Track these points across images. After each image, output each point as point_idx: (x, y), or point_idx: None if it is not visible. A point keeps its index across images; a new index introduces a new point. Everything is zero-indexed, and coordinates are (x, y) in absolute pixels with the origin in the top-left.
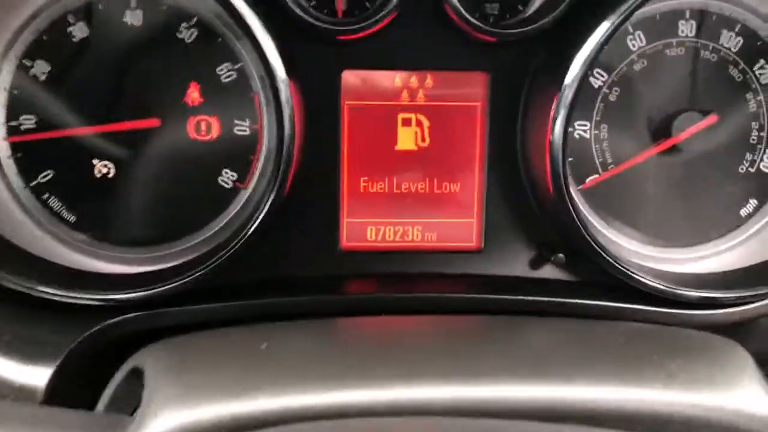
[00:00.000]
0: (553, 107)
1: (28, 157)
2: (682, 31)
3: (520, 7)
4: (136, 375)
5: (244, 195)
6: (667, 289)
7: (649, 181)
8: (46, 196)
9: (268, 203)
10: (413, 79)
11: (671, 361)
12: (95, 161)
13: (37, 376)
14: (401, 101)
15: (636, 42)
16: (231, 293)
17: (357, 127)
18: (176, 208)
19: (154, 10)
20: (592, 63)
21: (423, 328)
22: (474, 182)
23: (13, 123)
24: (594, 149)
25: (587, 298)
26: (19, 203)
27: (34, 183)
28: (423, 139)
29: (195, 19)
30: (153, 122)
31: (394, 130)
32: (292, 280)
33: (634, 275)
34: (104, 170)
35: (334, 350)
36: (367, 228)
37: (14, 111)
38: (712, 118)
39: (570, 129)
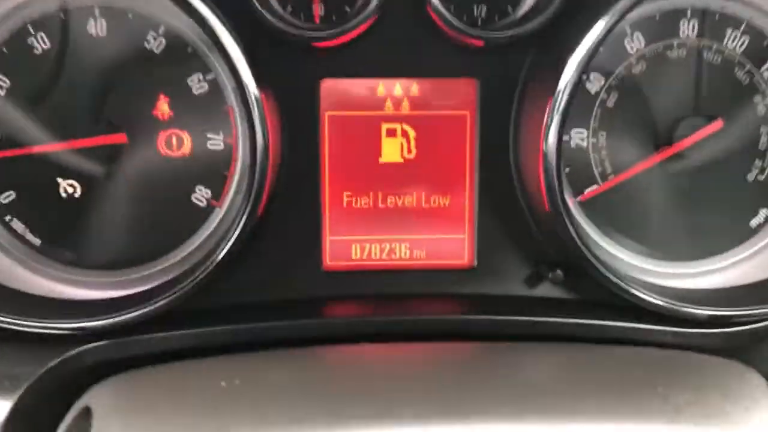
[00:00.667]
0: (546, 114)
1: None
2: (684, 32)
3: (509, 9)
4: (87, 415)
5: (218, 214)
6: (672, 306)
7: (652, 191)
8: (8, 218)
9: (242, 223)
10: (397, 87)
11: (678, 393)
12: (60, 180)
13: None
14: (385, 111)
15: (634, 44)
16: (205, 318)
17: (338, 139)
18: (147, 228)
19: (119, 20)
20: (586, 66)
21: (407, 358)
22: (465, 195)
23: None
24: (592, 158)
25: (587, 318)
26: None
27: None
28: (409, 151)
29: (162, 28)
30: (120, 138)
31: (378, 141)
32: (271, 304)
33: (636, 292)
34: (70, 190)
35: (305, 388)
36: (351, 246)
37: None
38: (717, 124)
39: (565, 137)
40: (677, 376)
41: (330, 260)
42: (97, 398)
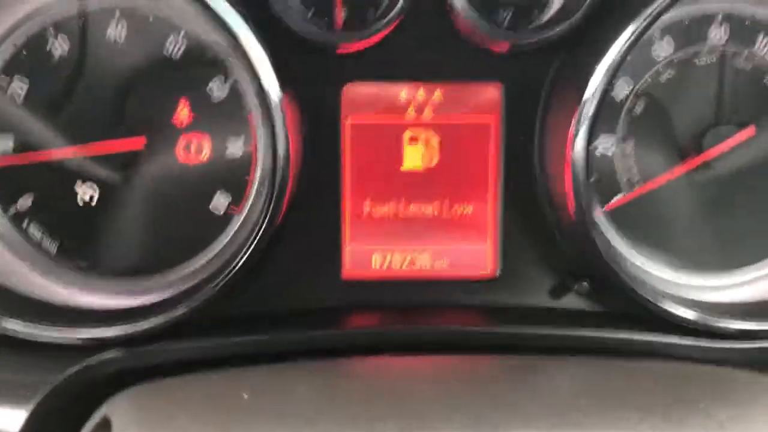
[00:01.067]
0: (573, 122)
1: (6, 181)
2: (714, 38)
3: (536, 12)
4: (106, 427)
5: (238, 220)
6: (702, 319)
7: (680, 201)
8: (25, 224)
9: (261, 231)
10: (420, 92)
11: (720, 409)
12: (78, 186)
13: (8, 422)
14: (408, 117)
15: (663, 50)
16: (223, 328)
17: (360, 146)
18: (165, 236)
19: (139, 24)
20: (614, 72)
21: (431, 371)
22: (488, 204)
23: None
24: (619, 167)
25: (614, 331)
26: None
27: (13, 210)
28: (432, 158)
29: (183, 32)
30: (138, 142)
31: (401, 148)
32: (289, 313)
33: (664, 305)
34: (88, 196)
35: (329, 400)
36: (371, 255)
37: None
38: (748, 131)
39: (592, 145)
40: (716, 391)
41: (350, 269)
42: (116, 409)
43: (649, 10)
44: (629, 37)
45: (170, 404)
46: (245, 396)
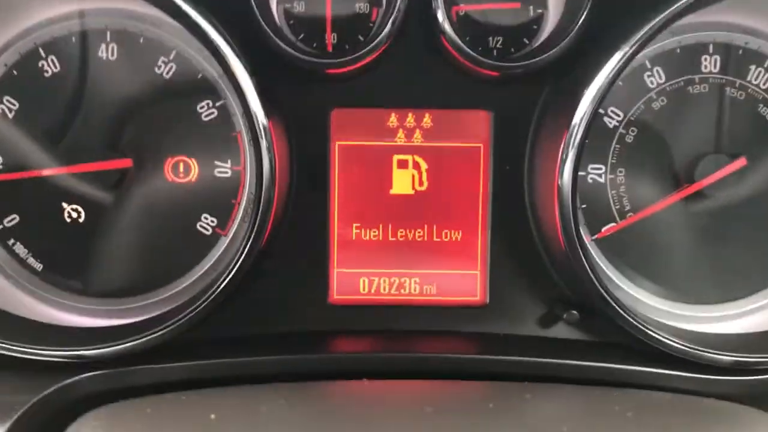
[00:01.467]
0: (561, 148)
1: None
2: (706, 67)
3: (526, 41)
4: None
5: (224, 242)
6: (691, 350)
7: (672, 230)
8: (11, 242)
9: (245, 252)
10: (410, 118)
11: None
12: (65, 205)
13: None
14: (397, 141)
15: (654, 78)
16: (206, 349)
17: (348, 169)
18: (151, 256)
19: (130, 45)
20: (602, 99)
21: (414, 396)
22: (477, 230)
23: None
24: (610, 195)
25: (604, 361)
26: None
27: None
28: (421, 183)
29: (173, 53)
30: (125, 163)
31: (389, 172)
32: (275, 336)
33: (656, 335)
34: (74, 215)
35: (301, 422)
36: (359, 279)
37: None
38: (740, 162)
39: (582, 173)
40: (694, 423)
41: (337, 294)
42: (83, 428)
43: (636, 37)
44: (616, 65)
45: (137, 424)
46: (212, 417)
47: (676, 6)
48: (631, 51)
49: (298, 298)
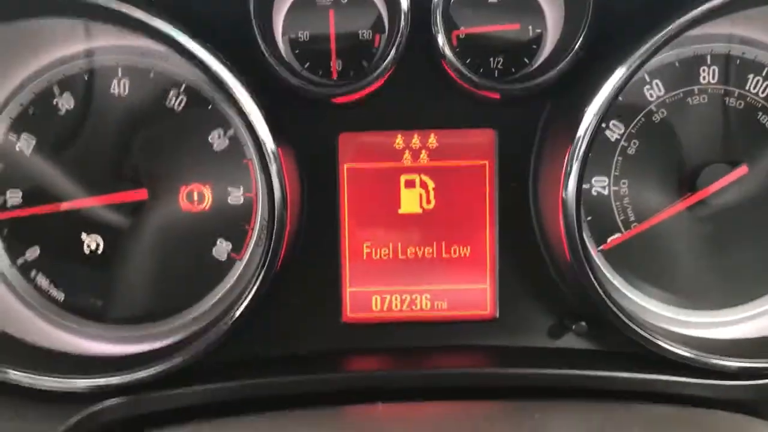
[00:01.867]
0: (565, 162)
1: (15, 233)
2: (704, 78)
3: (526, 60)
4: None
5: (239, 267)
6: (699, 357)
7: (677, 238)
8: (33, 273)
9: (260, 277)
10: (415, 139)
11: None
12: (84, 235)
13: None
14: (403, 162)
15: (654, 91)
16: (224, 373)
17: (357, 191)
18: (169, 282)
19: (141, 79)
20: (604, 114)
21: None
22: (485, 245)
23: None
24: (614, 206)
25: (613, 370)
26: (5, 282)
27: (21, 260)
28: (428, 201)
29: (183, 85)
30: (141, 194)
31: (397, 192)
32: (291, 357)
33: (663, 343)
34: (93, 245)
35: None
36: (372, 297)
37: None
38: (741, 170)
39: (586, 185)
40: None
41: (350, 312)
42: None
43: (636, 55)
44: (618, 81)
45: None
46: None
47: (677, 23)
48: (632, 69)
49: (313, 317)
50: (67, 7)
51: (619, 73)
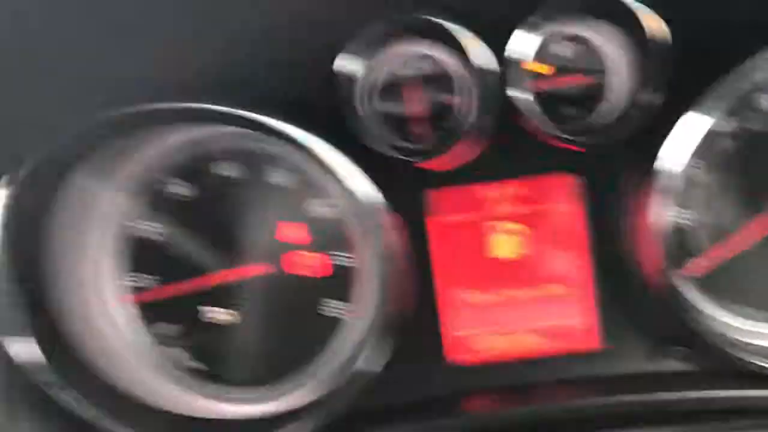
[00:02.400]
0: (650, 197)
1: (150, 314)
2: (766, 105)
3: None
4: None
5: (346, 325)
6: None
7: (762, 256)
8: (171, 347)
9: (378, 334)
10: (501, 189)
11: None
12: (208, 310)
13: None
14: (490, 212)
15: (722, 125)
16: (358, 427)
17: (446, 242)
18: (283, 344)
19: (247, 159)
20: (684, 153)
21: None
22: (584, 282)
23: (133, 283)
24: (697, 234)
25: (720, 389)
26: (146, 358)
27: (161, 336)
28: (521, 247)
29: (287, 163)
30: (265, 268)
31: (488, 241)
32: (401, 405)
33: (754, 360)
34: (220, 318)
35: None
36: (473, 339)
37: (131, 271)
38: None
39: (669, 216)
40: None
41: (454, 355)
42: None
43: (712, 97)
44: (696, 126)
45: None
46: None
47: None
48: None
49: (418, 363)
50: (203, 116)
51: (696, 118)
